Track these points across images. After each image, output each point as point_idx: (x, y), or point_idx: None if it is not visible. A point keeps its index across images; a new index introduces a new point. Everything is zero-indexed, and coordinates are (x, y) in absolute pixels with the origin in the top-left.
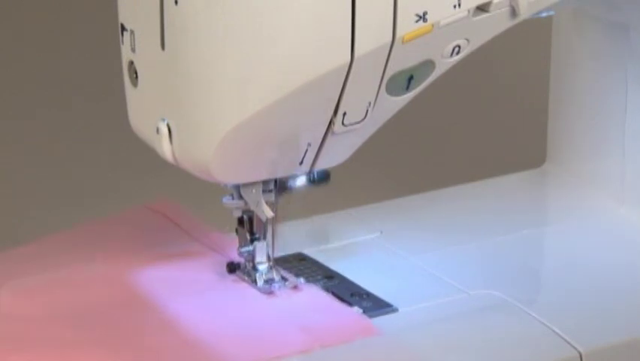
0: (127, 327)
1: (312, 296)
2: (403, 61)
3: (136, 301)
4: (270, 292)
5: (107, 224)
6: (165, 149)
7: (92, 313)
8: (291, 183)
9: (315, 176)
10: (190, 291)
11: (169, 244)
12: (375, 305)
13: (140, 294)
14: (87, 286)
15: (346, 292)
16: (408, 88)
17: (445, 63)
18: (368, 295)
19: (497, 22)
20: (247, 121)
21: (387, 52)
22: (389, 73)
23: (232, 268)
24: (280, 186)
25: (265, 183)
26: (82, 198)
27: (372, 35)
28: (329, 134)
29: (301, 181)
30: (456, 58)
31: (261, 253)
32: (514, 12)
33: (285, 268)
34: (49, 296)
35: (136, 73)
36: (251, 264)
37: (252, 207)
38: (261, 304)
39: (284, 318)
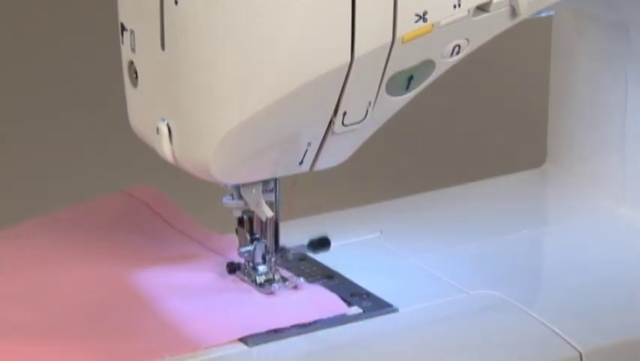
0: (107, 313)
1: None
2: (403, 61)
3: (117, 288)
4: (270, 293)
5: (89, 211)
6: (165, 149)
7: (72, 300)
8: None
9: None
10: (168, 277)
11: (151, 232)
12: (375, 305)
13: (122, 280)
14: (65, 271)
15: (346, 292)
16: (408, 88)
17: (445, 63)
18: (368, 295)
19: (497, 22)
20: (247, 121)
21: (387, 52)
22: (389, 73)
23: (232, 268)
24: (281, 253)
25: (265, 183)
26: (82, 198)
27: (372, 35)
28: (329, 134)
29: (301, 249)
30: (456, 58)
31: (261, 253)
32: (514, 12)
33: (285, 268)
34: (25, 280)
35: (136, 73)
36: (251, 264)
37: (252, 207)
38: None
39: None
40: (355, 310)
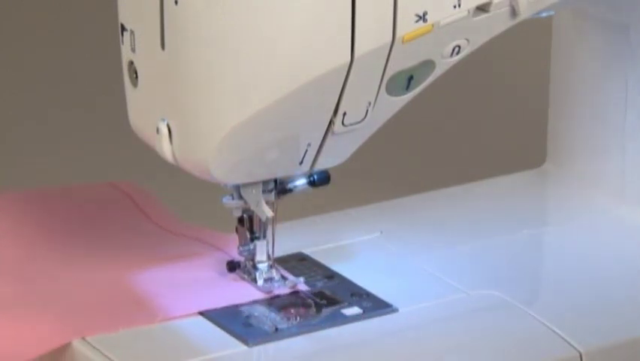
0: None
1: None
2: (403, 61)
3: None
4: (270, 291)
5: (70, 193)
6: (165, 149)
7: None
8: (291, 185)
9: (316, 178)
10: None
11: (132, 222)
12: (375, 305)
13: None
14: (40, 247)
15: (346, 292)
16: (408, 88)
17: (445, 63)
18: (368, 295)
19: (497, 22)
20: (247, 121)
21: (387, 52)
22: (389, 73)
23: (232, 266)
24: (280, 189)
25: (265, 183)
26: None
27: (372, 35)
28: (329, 134)
29: (301, 183)
30: (456, 58)
31: (261, 252)
32: (514, 12)
33: (285, 268)
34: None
35: (136, 73)
36: (251, 263)
37: (252, 207)
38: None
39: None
40: (355, 310)
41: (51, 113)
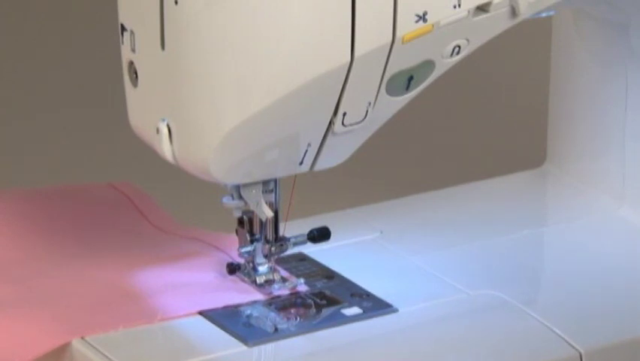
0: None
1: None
2: (402, 61)
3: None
4: (270, 293)
5: (67, 192)
6: (165, 149)
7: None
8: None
9: (316, 233)
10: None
11: (130, 222)
12: (375, 305)
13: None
14: (38, 247)
15: (346, 292)
16: (408, 88)
17: (445, 63)
18: (368, 295)
19: (497, 22)
20: (247, 121)
21: (387, 52)
22: (389, 73)
23: (232, 268)
24: (280, 242)
25: (265, 183)
26: None
27: (372, 35)
28: (329, 135)
29: (301, 238)
30: (456, 58)
31: (261, 253)
32: (514, 12)
33: (285, 268)
34: None
35: (136, 73)
36: (251, 265)
37: (252, 207)
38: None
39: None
40: (355, 310)
41: (51, 113)
